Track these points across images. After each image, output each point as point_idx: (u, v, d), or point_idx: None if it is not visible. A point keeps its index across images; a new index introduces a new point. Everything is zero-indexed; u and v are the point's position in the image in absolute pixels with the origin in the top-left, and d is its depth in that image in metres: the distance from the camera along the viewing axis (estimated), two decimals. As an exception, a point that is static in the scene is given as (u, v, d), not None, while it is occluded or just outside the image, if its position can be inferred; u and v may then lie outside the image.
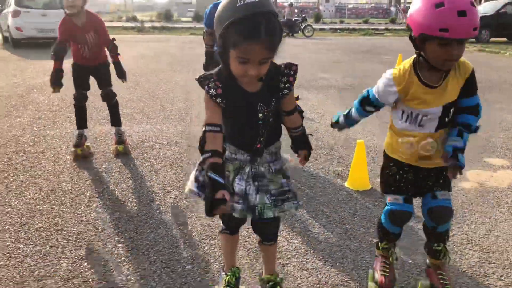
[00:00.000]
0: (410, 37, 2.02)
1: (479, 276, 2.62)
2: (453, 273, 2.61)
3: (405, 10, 41.53)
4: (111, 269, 2.63)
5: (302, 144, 2.17)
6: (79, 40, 4.19)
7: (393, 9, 46.16)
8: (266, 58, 1.69)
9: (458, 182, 3.91)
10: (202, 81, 1.85)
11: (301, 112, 2.12)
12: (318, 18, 34.38)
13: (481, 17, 18.98)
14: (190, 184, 1.98)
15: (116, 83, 4.59)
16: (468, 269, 2.69)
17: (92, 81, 4.48)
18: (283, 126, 2.13)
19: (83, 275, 2.57)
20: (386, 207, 2.34)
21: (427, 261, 2.48)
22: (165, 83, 8.70)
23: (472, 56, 13.62)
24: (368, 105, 2.31)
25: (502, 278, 2.60)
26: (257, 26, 1.59)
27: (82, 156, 4.44)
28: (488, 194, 3.78)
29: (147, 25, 26.51)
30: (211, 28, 4.15)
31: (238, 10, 1.60)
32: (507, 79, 9.46)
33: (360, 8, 52.40)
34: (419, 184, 2.27)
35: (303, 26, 22.48)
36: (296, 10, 29.91)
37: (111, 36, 4.41)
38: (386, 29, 27.55)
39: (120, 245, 2.90)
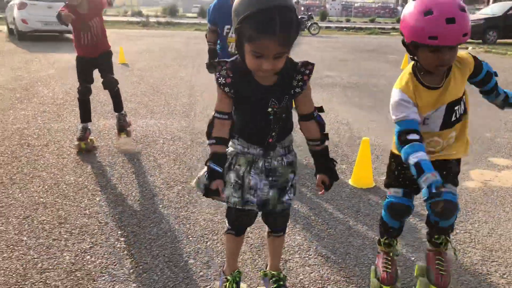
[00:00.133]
0: (404, 43, 2.03)
1: (482, 274, 2.61)
2: (456, 270, 2.61)
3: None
4: (114, 262, 2.63)
5: (321, 165, 2.01)
6: (83, 28, 4.19)
7: (400, 8, 45.98)
8: (280, 53, 1.67)
9: (462, 182, 3.89)
10: (215, 65, 1.84)
11: (321, 124, 1.97)
12: (324, 16, 34.30)
13: (489, 18, 18.95)
14: (200, 184, 2.00)
15: (121, 81, 4.58)
16: (471, 267, 2.68)
17: (96, 75, 4.48)
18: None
19: (86, 268, 2.57)
20: (386, 200, 2.36)
21: (428, 245, 2.47)
22: (170, 78, 8.71)
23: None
24: (407, 133, 2.00)
25: (505, 276, 2.60)
26: (272, 20, 1.56)
27: (86, 150, 4.45)
28: (492, 193, 3.76)
29: (152, 20, 26.54)
30: (214, 25, 4.12)
31: (254, 3, 1.58)
32: (513, 79, 9.41)
33: (367, 7, 52.21)
34: None
35: (309, 24, 22.42)
36: (302, 8, 29.86)
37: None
38: (393, 29, 27.43)
39: (122, 239, 2.90)
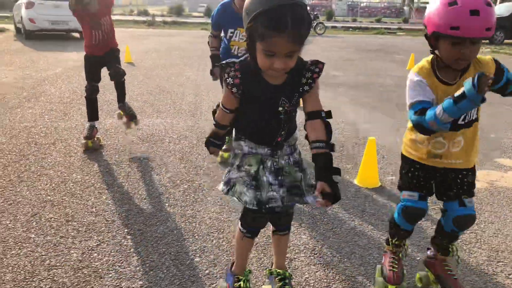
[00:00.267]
0: (426, 36, 2.01)
1: (487, 274, 2.61)
2: (461, 270, 2.61)
3: (419, 10, 41.23)
4: (121, 260, 2.65)
5: (322, 171, 1.80)
6: (94, 26, 4.22)
7: (406, 8, 45.83)
8: (292, 51, 1.66)
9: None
10: (224, 67, 1.85)
11: (326, 123, 1.87)
12: (330, 16, 34.24)
13: (496, 19, 19.05)
14: (221, 186, 2.08)
15: (127, 80, 4.60)
16: (477, 267, 2.68)
17: (104, 74, 4.51)
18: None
19: (92, 265, 2.59)
20: (400, 203, 2.32)
21: (429, 253, 2.47)
22: (176, 78, 8.73)
23: (485, 56, 13.48)
24: (422, 113, 1.97)
25: (510, 276, 2.60)
26: (284, 18, 1.56)
27: (93, 148, 4.48)
28: (498, 194, 3.75)
29: (158, 19, 26.59)
30: (218, 30, 4.11)
31: (265, 2, 1.58)
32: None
33: (373, 7, 52.01)
34: (441, 185, 2.25)
35: (315, 24, 22.36)
36: (308, 8, 29.80)
37: None
38: (399, 29, 27.35)
39: (129, 236, 2.92)
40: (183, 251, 2.77)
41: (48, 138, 4.82)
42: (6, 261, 2.60)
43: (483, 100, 1.75)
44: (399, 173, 2.39)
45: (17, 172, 3.89)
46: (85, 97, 4.56)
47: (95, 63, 4.39)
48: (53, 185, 3.66)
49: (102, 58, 4.38)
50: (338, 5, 45.84)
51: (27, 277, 2.46)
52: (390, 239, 2.47)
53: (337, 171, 1.82)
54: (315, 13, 24.91)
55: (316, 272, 2.59)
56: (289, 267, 2.59)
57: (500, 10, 19.46)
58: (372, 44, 17.71)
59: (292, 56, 1.68)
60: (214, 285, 2.44)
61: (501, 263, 2.73)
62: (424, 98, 2.01)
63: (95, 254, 2.71)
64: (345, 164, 4.34)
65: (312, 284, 2.48)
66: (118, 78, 4.55)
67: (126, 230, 3.00)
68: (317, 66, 1.86)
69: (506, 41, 18.61)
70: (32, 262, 2.60)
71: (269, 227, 2.94)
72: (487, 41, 17.80)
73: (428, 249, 2.50)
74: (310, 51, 13.65)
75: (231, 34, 4.00)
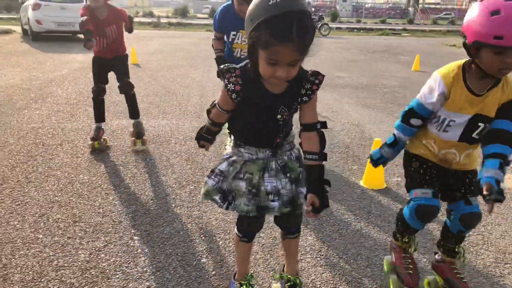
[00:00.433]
0: (464, 45, 1.97)
1: (495, 276, 2.61)
2: (469, 272, 2.61)
3: (423, 11, 41.09)
4: (128, 261, 2.67)
5: (314, 183, 1.88)
6: (99, 33, 4.24)
7: (411, 9, 45.77)
8: (296, 60, 1.64)
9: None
10: (223, 72, 1.83)
11: (321, 135, 1.92)
12: (334, 17, 34.25)
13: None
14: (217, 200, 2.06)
15: (133, 78, 4.62)
16: (484, 269, 2.68)
17: (111, 75, 4.53)
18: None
19: (100, 266, 2.61)
20: (412, 203, 2.23)
21: (437, 257, 2.47)
22: (181, 79, 8.76)
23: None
24: (413, 117, 2.17)
25: (518, 280, 2.59)
26: (289, 27, 1.52)
27: (99, 150, 4.50)
28: (505, 195, 3.73)
29: (163, 20, 26.68)
30: (221, 32, 4.11)
31: (270, 9, 1.54)
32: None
33: (378, 8, 52.05)
34: (448, 186, 2.25)
35: (319, 25, 22.37)
36: (313, 9, 29.79)
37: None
38: (404, 30, 27.30)
39: (136, 237, 2.94)
40: (190, 252, 2.78)
41: (55, 139, 4.85)
42: (14, 262, 2.62)
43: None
44: (406, 173, 2.36)
45: (25, 173, 3.92)
46: (92, 98, 4.58)
47: (103, 65, 4.41)
48: (61, 186, 3.69)
49: (110, 61, 4.40)
50: (342, 6, 45.85)
51: (35, 278, 2.48)
52: (398, 236, 2.45)
53: (328, 183, 1.89)
54: (320, 14, 24.90)
55: (323, 273, 2.60)
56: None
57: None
58: (377, 45, 17.69)
59: (295, 65, 1.66)
60: (220, 286, 2.45)
61: (508, 265, 2.73)
62: (427, 101, 2.09)
63: (102, 255, 2.72)
64: (350, 166, 4.34)
65: (318, 286, 2.49)
66: (127, 92, 4.57)
67: (133, 231, 3.02)
68: (317, 77, 1.85)
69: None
70: (40, 263, 2.62)
71: (275, 228, 2.96)
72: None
73: (436, 253, 2.49)
74: (314, 53, 13.63)
75: (233, 37, 4.00)
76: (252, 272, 2.49)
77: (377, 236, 3.03)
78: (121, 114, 5.82)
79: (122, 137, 4.98)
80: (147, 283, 2.46)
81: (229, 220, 3.17)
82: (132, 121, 4.72)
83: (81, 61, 10.10)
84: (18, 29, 17.61)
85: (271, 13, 1.54)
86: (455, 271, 2.34)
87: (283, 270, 2.34)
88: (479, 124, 2.05)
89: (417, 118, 2.17)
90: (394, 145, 2.32)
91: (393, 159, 2.41)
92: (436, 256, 2.47)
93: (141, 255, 2.73)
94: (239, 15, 3.78)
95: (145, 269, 2.59)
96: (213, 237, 2.96)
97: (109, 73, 4.52)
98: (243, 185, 1.99)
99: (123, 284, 2.45)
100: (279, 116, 1.88)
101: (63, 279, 2.47)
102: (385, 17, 40.26)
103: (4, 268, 2.55)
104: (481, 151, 2.03)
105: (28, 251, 2.73)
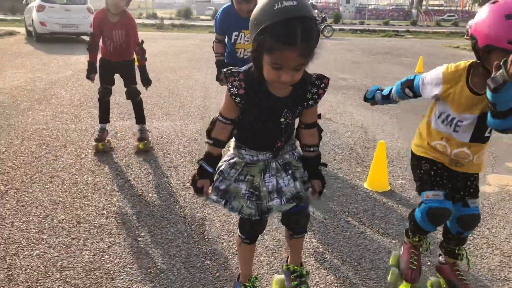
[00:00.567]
0: (474, 48, 1.95)
1: (499, 280, 2.60)
2: (473, 276, 2.60)
3: (426, 12, 41.04)
4: (132, 262, 2.67)
5: (315, 170, 2.05)
6: (106, 35, 4.25)
7: (414, 11, 45.72)
8: (300, 65, 1.65)
9: (479, 186, 3.86)
10: (227, 76, 1.82)
11: (320, 130, 2.05)
12: (337, 18, 34.22)
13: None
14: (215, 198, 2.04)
15: (137, 80, 4.63)
16: (488, 272, 2.67)
17: (117, 77, 4.54)
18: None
19: (104, 267, 2.62)
20: (423, 205, 2.20)
21: (440, 258, 2.46)
22: (185, 80, 8.77)
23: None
24: (409, 88, 2.29)
25: (523, 283, 2.58)
26: (294, 32, 1.54)
27: (103, 151, 4.51)
28: (510, 198, 3.73)
29: (166, 22, 26.72)
30: (222, 35, 4.10)
31: (275, 14, 1.55)
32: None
33: (381, 9, 52.01)
34: (454, 187, 2.25)
35: (322, 27, 22.34)
36: (316, 11, 29.79)
37: (140, 39, 4.42)
38: (407, 31, 27.27)
39: (140, 239, 2.94)
40: (194, 253, 2.78)
41: (59, 140, 4.86)
42: (19, 262, 2.63)
43: None
44: (415, 176, 2.34)
45: (29, 174, 3.93)
46: (98, 99, 4.60)
47: (109, 66, 4.42)
48: (65, 187, 3.70)
49: (116, 65, 4.41)
50: (345, 7, 45.84)
51: (40, 278, 2.49)
52: (410, 234, 2.42)
53: (324, 164, 2.09)
54: (323, 15, 24.88)
55: (327, 276, 2.60)
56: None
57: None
58: (380, 46, 17.68)
59: (300, 69, 1.67)
60: (225, 288, 2.45)
61: (512, 268, 2.72)
62: (421, 85, 2.20)
63: (107, 256, 2.73)
64: (354, 168, 4.34)
65: (322, 288, 2.49)
66: (134, 99, 4.60)
67: (137, 232, 3.02)
68: (322, 81, 1.86)
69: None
70: (45, 263, 2.63)
71: (279, 230, 2.96)
72: None
73: (440, 255, 2.49)
74: (317, 54, 13.62)
75: (236, 37, 4.00)
76: (256, 274, 2.49)
77: (381, 239, 3.03)
78: (124, 115, 5.83)
79: (126, 139, 4.99)
80: (151, 285, 2.46)
81: (233, 222, 3.17)
82: (138, 126, 4.72)
83: (85, 62, 10.03)
84: (22, 30, 17.64)
85: (276, 19, 1.55)
86: (457, 273, 2.34)
87: (287, 261, 2.36)
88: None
89: (410, 91, 2.28)
90: (387, 97, 2.48)
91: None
92: (440, 258, 2.48)
93: (145, 257, 2.73)
94: (240, 14, 3.78)
95: (149, 270, 2.60)
96: (217, 238, 2.96)
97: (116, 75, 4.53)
98: (243, 187, 2.00)
99: (127, 285, 2.45)
100: (282, 120, 1.89)
101: (67, 279, 2.48)
102: (388, 18, 40.26)
103: (9, 269, 2.56)
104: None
105: (32, 252, 2.74)
